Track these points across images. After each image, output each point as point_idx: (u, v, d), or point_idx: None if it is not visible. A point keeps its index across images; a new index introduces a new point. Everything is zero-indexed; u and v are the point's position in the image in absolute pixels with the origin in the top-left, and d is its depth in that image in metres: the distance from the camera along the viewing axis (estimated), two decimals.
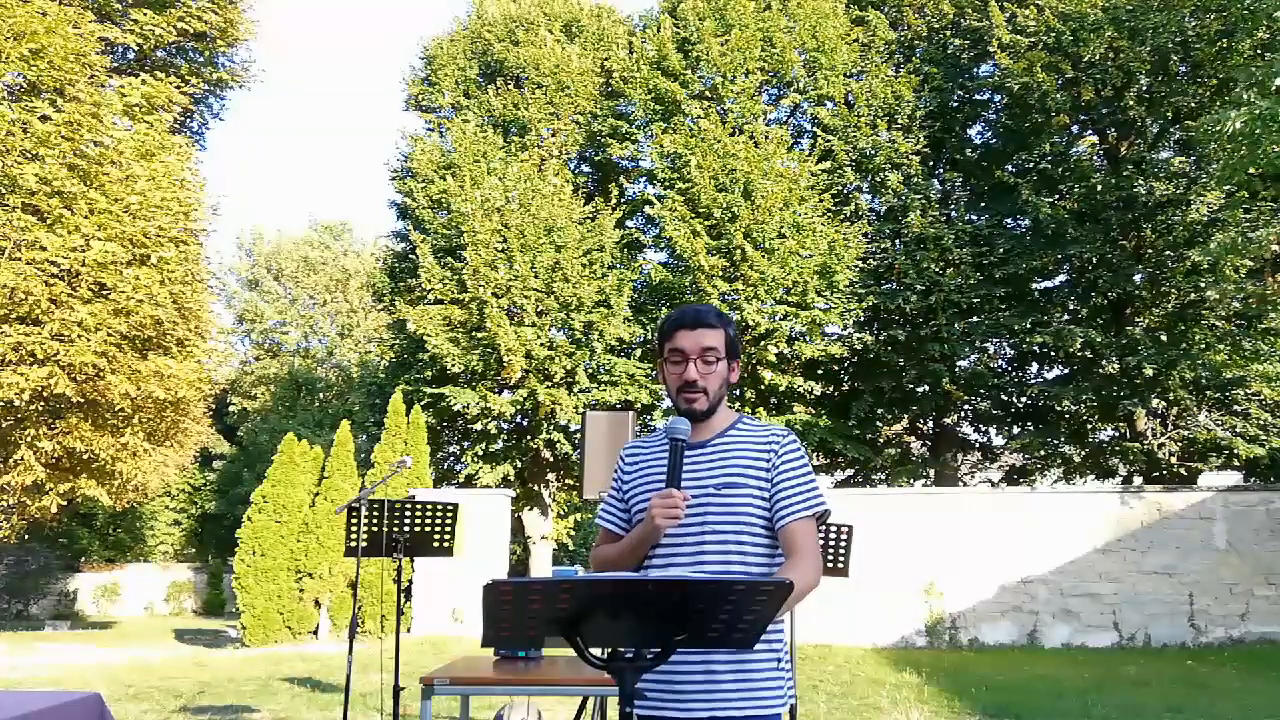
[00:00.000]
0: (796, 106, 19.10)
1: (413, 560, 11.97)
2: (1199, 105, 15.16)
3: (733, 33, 17.61)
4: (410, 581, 14.36)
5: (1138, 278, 16.33)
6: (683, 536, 2.11)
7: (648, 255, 19.80)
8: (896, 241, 17.70)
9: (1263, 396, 15.40)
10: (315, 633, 14.77)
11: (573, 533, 26.18)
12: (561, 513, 23.78)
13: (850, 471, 19.83)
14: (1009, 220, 17.91)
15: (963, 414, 19.14)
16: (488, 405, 17.14)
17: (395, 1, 64.21)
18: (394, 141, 43.44)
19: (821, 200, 16.83)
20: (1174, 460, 16.03)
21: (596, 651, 1.70)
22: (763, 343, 16.32)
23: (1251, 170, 11.54)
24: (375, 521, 5.16)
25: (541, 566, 18.98)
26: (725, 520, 2.12)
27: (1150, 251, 16.03)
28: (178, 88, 15.37)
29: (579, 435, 14.49)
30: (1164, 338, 15.66)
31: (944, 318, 16.65)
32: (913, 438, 20.45)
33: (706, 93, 18.02)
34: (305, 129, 63.04)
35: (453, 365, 16.94)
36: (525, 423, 18.50)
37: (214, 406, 20.96)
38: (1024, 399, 18.45)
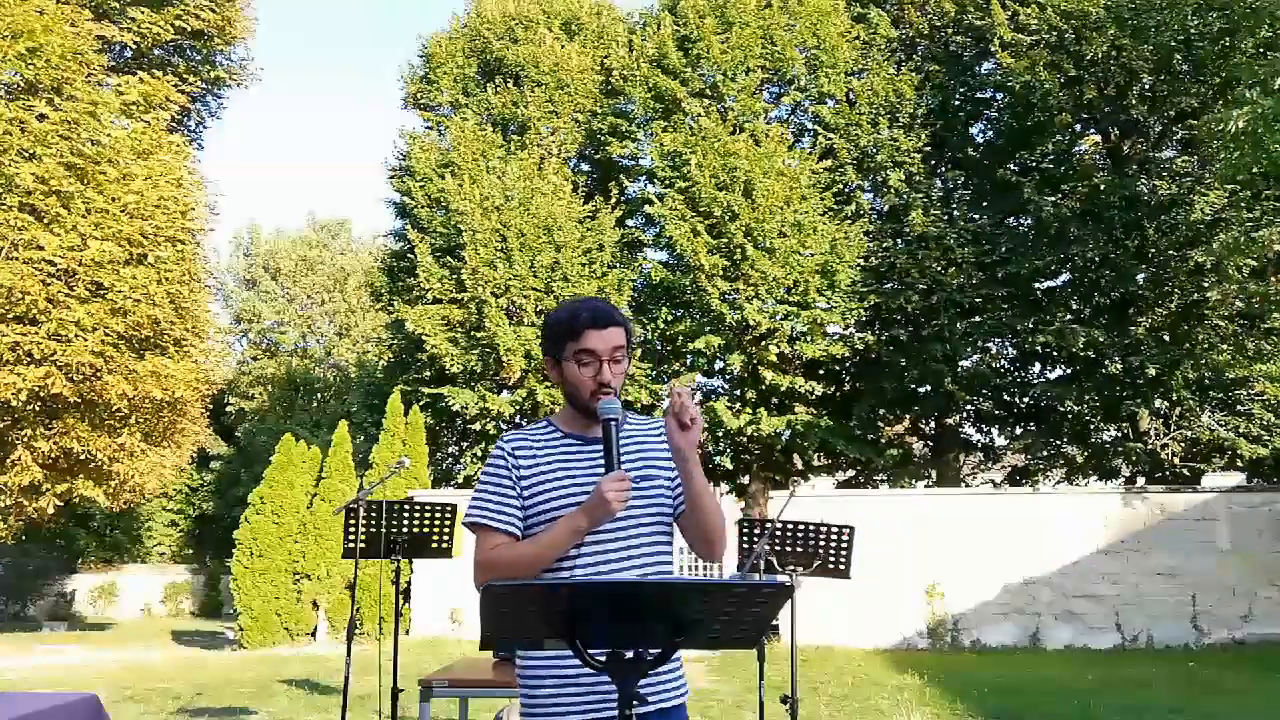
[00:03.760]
0: (797, 104, 19.03)
1: (411, 562, 11.88)
2: (1202, 104, 15.12)
3: (733, 30, 17.55)
4: (409, 583, 14.30)
5: (1141, 277, 16.28)
6: (611, 531, 2.07)
7: (648, 255, 19.70)
8: (898, 240, 17.63)
9: (1266, 397, 15.33)
10: (313, 634, 14.71)
11: None
12: None
13: (852, 472, 19.78)
14: (1011, 219, 17.85)
15: (965, 414, 19.08)
16: (487, 405, 17.07)
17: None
18: (392, 140, 43.33)
19: (823, 199, 16.76)
20: (1177, 461, 15.97)
21: (596, 654, 1.67)
22: (764, 342, 16.25)
23: (1254, 169, 11.50)
24: (373, 522, 5.09)
25: None
26: (648, 512, 2.12)
27: (1153, 251, 15.97)
28: (175, 86, 15.30)
29: None
30: (1167, 338, 15.61)
31: (946, 317, 16.58)
32: (915, 438, 20.40)
33: (707, 91, 17.94)
34: (303, 127, 62.94)
35: (451, 365, 16.86)
36: (525, 423, 18.42)
37: (211, 407, 20.82)
38: (1026, 399, 18.38)
